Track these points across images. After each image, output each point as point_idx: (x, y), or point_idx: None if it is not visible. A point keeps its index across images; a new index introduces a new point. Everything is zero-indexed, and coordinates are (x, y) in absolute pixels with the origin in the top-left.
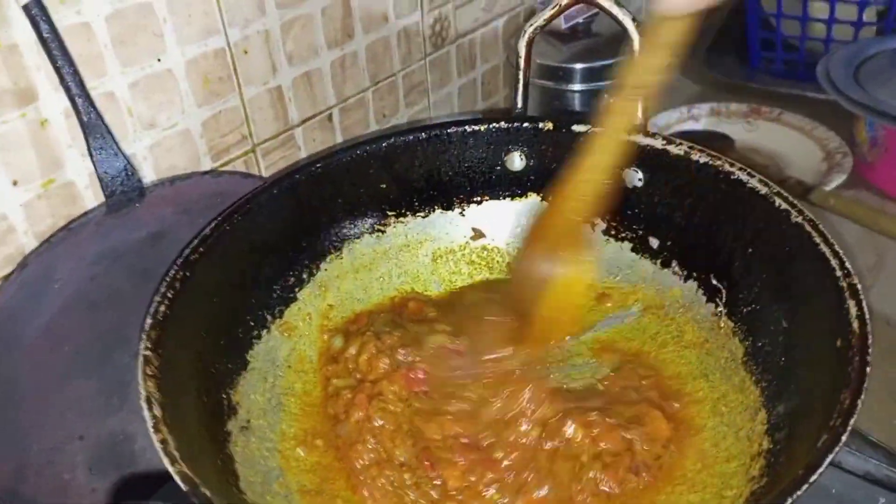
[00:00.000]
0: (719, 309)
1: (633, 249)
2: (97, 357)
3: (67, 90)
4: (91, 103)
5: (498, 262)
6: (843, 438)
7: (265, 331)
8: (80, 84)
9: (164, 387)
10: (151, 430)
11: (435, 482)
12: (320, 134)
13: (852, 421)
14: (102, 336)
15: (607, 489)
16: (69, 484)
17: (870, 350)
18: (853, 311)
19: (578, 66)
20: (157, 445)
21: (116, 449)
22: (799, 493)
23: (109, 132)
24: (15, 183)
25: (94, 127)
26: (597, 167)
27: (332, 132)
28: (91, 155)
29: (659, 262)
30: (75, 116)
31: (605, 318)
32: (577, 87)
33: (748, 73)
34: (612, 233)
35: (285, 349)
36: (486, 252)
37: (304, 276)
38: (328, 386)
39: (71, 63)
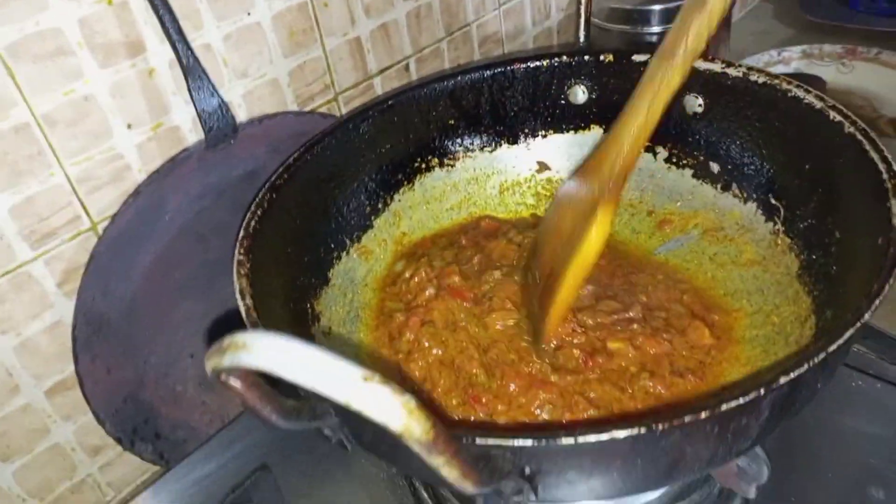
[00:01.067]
0: (777, 227)
1: (694, 175)
2: (205, 283)
3: (168, 37)
4: (189, 48)
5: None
6: (867, 316)
7: (344, 253)
8: (179, 31)
9: (255, 286)
10: (245, 316)
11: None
12: (398, 83)
13: (878, 301)
14: (209, 264)
15: (656, 393)
16: (182, 395)
17: None
18: (894, 208)
19: (655, 7)
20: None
21: None
22: (807, 367)
23: (205, 73)
24: (129, 126)
25: (192, 69)
26: (662, 92)
27: (409, 81)
28: (191, 94)
29: (719, 186)
30: (178, 64)
31: (664, 243)
32: (654, 29)
33: (846, 14)
34: (674, 160)
35: (363, 270)
36: (551, 184)
37: (380, 205)
38: (384, 308)
39: (171, 12)
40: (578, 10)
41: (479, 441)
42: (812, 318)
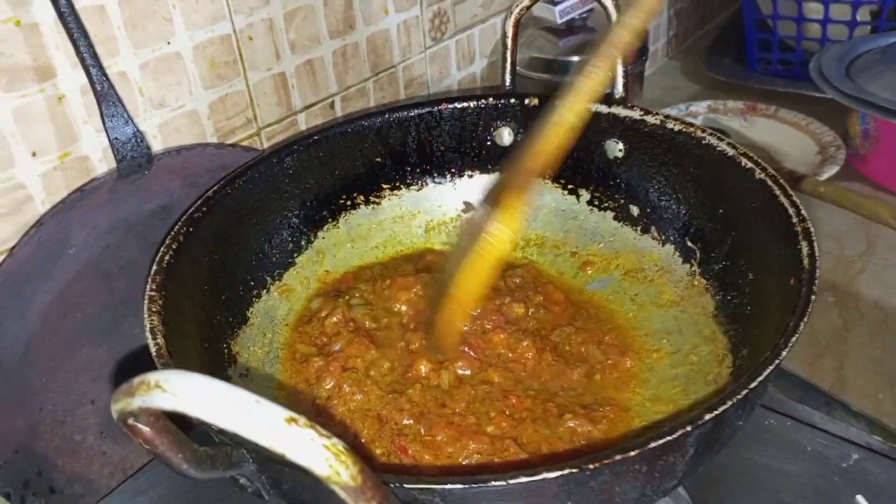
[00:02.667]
0: (694, 269)
1: (615, 218)
2: (109, 325)
3: (82, 60)
4: (104, 73)
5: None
6: (784, 353)
7: (265, 291)
8: (94, 55)
9: (168, 325)
10: (155, 356)
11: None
12: (322, 120)
13: (794, 340)
14: (115, 305)
15: (584, 432)
16: (80, 445)
17: (816, 282)
18: (805, 250)
19: (574, 58)
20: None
21: None
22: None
23: (120, 101)
24: (34, 154)
25: (106, 95)
26: (562, 123)
27: (335, 118)
28: (103, 121)
29: (639, 228)
30: (90, 90)
31: (588, 284)
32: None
33: (746, 73)
34: (596, 203)
35: (283, 309)
36: None
37: (303, 242)
38: (296, 351)
39: (86, 36)
40: (504, 54)
41: (408, 486)
42: (729, 356)
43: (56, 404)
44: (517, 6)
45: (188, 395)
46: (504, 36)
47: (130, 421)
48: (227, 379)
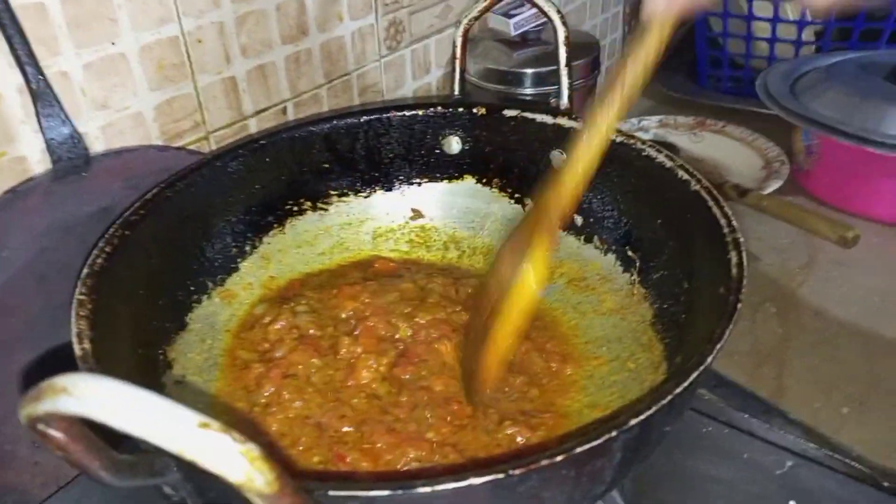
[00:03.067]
0: (633, 277)
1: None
2: (45, 331)
3: (17, 59)
4: (40, 72)
5: (435, 240)
6: (709, 360)
7: (206, 296)
8: (30, 54)
9: (97, 329)
10: (80, 362)
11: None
12: (274, 125)
13: (719, 346)
14: (51, 310)
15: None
16: (12, 456)
17: (743, 290)
18: (734, 260)
19: (528, 70)
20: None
21: None
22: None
23: (58, 100)
24: None
25: (42, 95)
26: (584, 171)
27: (286, 123)
28: (39, 122)
29: (582, 238)
30: (26, 87)
31: None
32: (527, 91)
33: (696, 90)
34: None
35: (225, 315)
36: (424, 231)
37: (247, 248)
38: (236, 357)
39: (20, 33)
40: (454, 64)
41: (331, 493)
42: (664, 363)
43: None
44: (466, 17)
45: (95, 399)
46: (454, 46)
47: (40, 426)
48: (161, 386)
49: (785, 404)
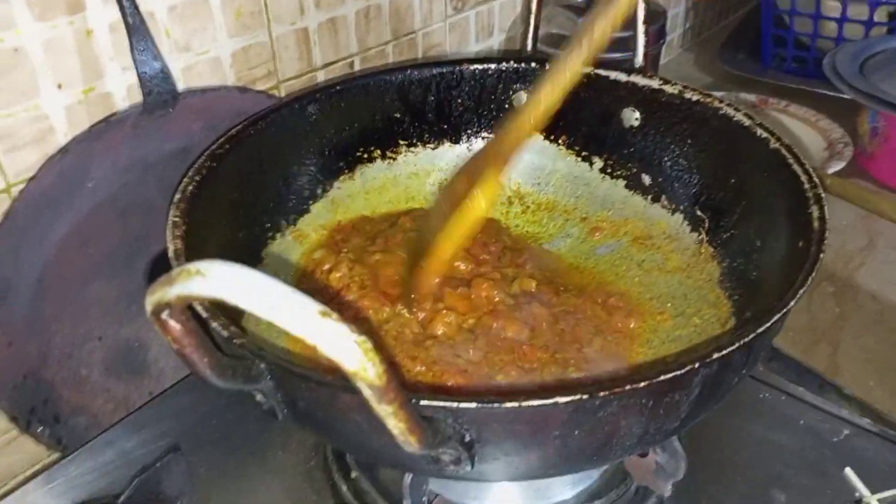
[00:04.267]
0: (702, 237)
1: (626, 186)
2: (121, 262)
3: None
4: (136, 7)
5: (498, 195)
6: (791, 304)
7: (279, 234)
8: None
9: (189, 250)
10: None
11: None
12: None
13: (802, 291)
14: (128, 242)
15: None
16: (85, 379)
17: (825, 242)
18: (815, 213)
19: None
20: None
21: (131, 355)
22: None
23: (150, 36)
24: (59, 86)
25: (137, 29)
26: (544, 109)
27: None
28: (133, 55)
29: (650, 197)
30: (118, 27)
31: (596, 249)
32: None
33: (759, 69)
34: (608, 171)
35: (297, 253)
36: None
37: (318, 190)
38: None
39: None
40: (528, 20)
41: (423, 402)
42: (732, 319)
43: (65, 336)
44: None
45: (228, 281)
46: (529, 2)
47: (164, 315)
48: (240, 314)
49: (839, 382)
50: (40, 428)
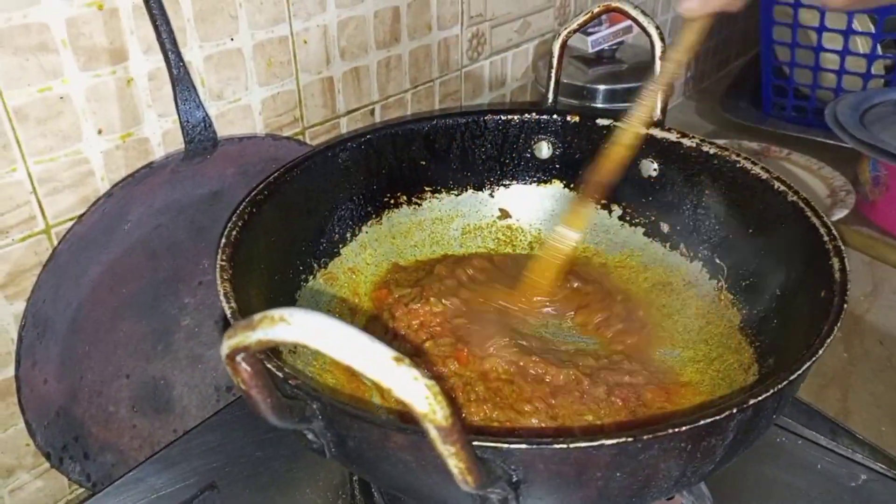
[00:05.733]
0: (721, 284)
1: (645, 234)
2: (149, 302)
3: (162, 45)
4: (180, 58)
5: (521, 240)
6: (820, 352)
7: (311, 276)
8: (173, 41)
9: (236, 293)
10: (230, 315)
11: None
12: (362, 126)
13: (829, 341)
14: (157, 283)
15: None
16: (112, 416)
17: (847, 293)
18: (836, 265)
19: (601, 87)
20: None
21: (157, 392)
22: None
23: (193, 85)
24: (100, 132)
25: (181, 79)
26: (617, 153)
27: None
28: (177, 104)
29: (668, 245)
30: (160, 76)
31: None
32: (599, 106)
33: (761, 117)
34: (627, 218)
35: (327, 296)
36: (510, 231)
37: (348, 235)
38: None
39: (167, 23)
40: (549, 73)
41: (479, 443)
42: (755, 365)
43: (95, 373)
44: (565, 29)
45: (310, 328)
46: (551, 57)
47: (238, 358)
48: (279, 353)
49: (850, 426)
50: (71, 464)
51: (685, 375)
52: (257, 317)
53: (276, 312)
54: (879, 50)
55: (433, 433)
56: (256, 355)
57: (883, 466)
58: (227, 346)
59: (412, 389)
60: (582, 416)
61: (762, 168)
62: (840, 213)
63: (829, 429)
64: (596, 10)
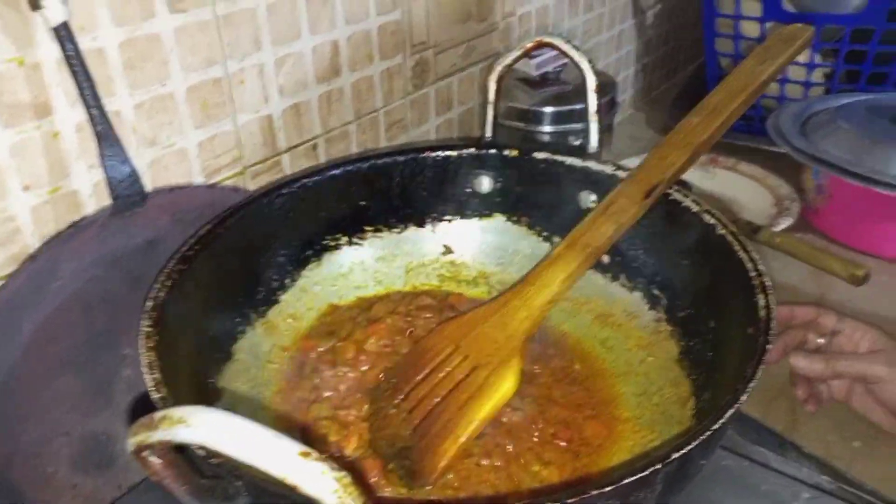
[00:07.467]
0: (660, 315)
1: None
2: (86, 357)
3: (85, 102)
4: (104, 115)
5: (465, 275)
6: (743, 398)
7: (249, 327)
8: (96, 97)
9: (162, 360)
10: (153, 390)
11: None
12: (305, 161)
13: (752, 385)
14: (93, 337)
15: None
16: (52, 477)
17: (771, 332)
18: (761, 303)
19: (548, 109)
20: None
21: (99, 448)
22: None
23: (118, 141)
24: (26, 188)
25: (105, 136)
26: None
27: (316, 160)
28: (102, 161)
29: (609, 275)
30: (88, 128)
31: (559, 326)
32: (545, 128)
33: None
34: None
35: (267, 345)
36: (454, 266)
37: (287, 280)
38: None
39: (89, 79)
40: (486, 108)
41: None
42: (692, 399)
43: (32, 435)
44: (500, 64)
45: (209, 429)
46: (486, 91)
47: (145, 454)
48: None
49: (798, 438)
50: None
51: (626, 410)
52: (158, 416)
53: (177, 412)
54: (818, 58)
55: None
56: (167, 449)
57: (827, 479)
58: (131, 443)
59: (319, 485)
60: (529, 467)
61: (693, 200)
62: (786, 222)
63: (778, 444)
64: (528, 45)
